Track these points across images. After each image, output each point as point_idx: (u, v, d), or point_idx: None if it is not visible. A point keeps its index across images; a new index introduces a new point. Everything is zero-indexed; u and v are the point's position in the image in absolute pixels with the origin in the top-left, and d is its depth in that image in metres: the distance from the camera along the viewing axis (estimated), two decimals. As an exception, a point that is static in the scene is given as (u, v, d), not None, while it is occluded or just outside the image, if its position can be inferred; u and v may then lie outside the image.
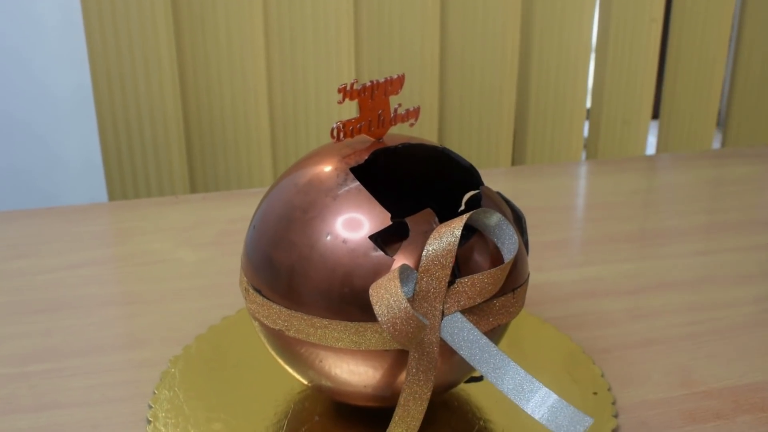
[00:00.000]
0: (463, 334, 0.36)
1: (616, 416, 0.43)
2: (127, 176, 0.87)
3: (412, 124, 0.41)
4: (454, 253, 0.35)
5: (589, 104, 1.12)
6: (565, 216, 0.77)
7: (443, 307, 0.36)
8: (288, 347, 0.39)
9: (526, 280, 0.41)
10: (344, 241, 0.36)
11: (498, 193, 0.42)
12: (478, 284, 0.36)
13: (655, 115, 1.20)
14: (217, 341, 0.50)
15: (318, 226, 0.37)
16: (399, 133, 0.42)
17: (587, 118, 1.12)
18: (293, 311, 0.37)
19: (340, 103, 0.38)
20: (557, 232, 0.71)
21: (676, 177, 0.90)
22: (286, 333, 0.38)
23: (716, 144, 1.24)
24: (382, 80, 0.39)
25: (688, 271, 0.62)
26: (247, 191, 0.83)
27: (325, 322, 0.36)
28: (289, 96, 0.89)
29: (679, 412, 0.44)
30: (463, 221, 0.36)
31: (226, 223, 0.71)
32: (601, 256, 0.65)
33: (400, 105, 0.40)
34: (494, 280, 0.37)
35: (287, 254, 0.37)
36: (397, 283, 0.33)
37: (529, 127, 1.07)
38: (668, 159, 1.02)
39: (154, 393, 0.44)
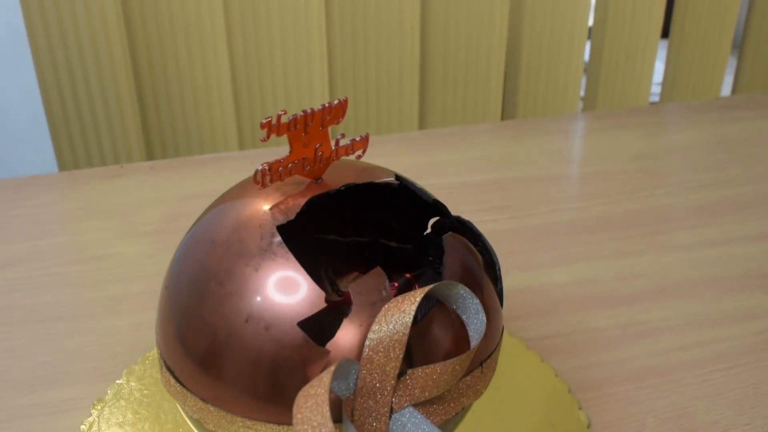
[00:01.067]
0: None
1: (603, 487, 0.37)
2: (77, 141, 0.78)
3: (359, 157, 0.33)
4: (404, 342, 0.28)
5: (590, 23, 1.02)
6: (555, 191, 0.69)
7: (392, 401, 0.29)
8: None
9: (498, 345, 0.34)
10: (267, 328, 0.29)
11: (469, 227, 0.35)
12: (434, 376, 0.29)
13: (665, 34, 1.10)
14: (152, 375, 0.44)
15: (236, 306, 0.29)
16: (347, 160, 0.34)
17: (588, 37, 1.02)
18: (210, 405, 0.30)
19: (263, 140, 0.30)
20: (546, 215, 0.63)
21: (683, 135, 0.82)
22: (204, 425, 0.31)
23: (730, 69, 1.13)
24: (318, 108, 0.31)
25: (692, 270, 0.55)
26: (201, 158, 0.75)
27: (249, 422, 0.30)
28: (252, 41, 0.79)
29: (676, 477, 0.38)
30: (416, 301, 0.28)
31: (174, 203, 0.64)
32: (595, 248, 0.58)
33: (343, 135, 0.32)
34: (454, 372, 0.30)
35: (201, 337, 0.30)
36: (325, 398, 0.26)
37: (523, 57, 0.97)
38: (674, 111, 0.93)
39: (67, 460, 0.38)
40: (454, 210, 0.64)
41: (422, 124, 0.93)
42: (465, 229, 0.36)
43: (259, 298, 0.29)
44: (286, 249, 0.29)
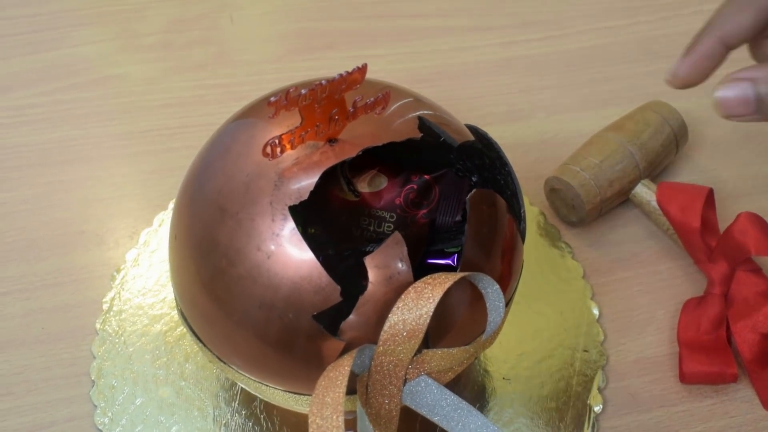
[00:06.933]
0: (428, 398, 0.31)
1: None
2: None
3: (379, 113, 0.29)
4: (423, 331, 0.28)
5: None
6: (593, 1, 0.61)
7: (406, 375, 0.30)
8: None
9: (511, 298, 0.33)
10: (281, 317, 0.28)
11: (498, 154, 0.33)
12: (447, 359, 0.30)
13: None
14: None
15: (248, 290, 0.28)
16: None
17: None
18: (226, 365, 0.31)
19: (272, 117, 0.27)
20: (581, 36, 0.58)
21: None
22: (223, 373, 0.32)
23: None
24: (336, 77, 0.27)
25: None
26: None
27: (263, 387, 0.31)
28: None
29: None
30: (442, 288, 0.27)
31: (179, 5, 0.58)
32: (630, 84, 0.54)
33: (361, 97, 0.28)
34: (468, 356, 0.30)
35: (215, 311, 0.29)
36: (341, 394, 0.26)
37: None
38: None
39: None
40: (483, 23, 0.59)
41: None
42: (492, 155, 0.34)
43: (272, 285, 0.28)
44: (300, 238, 0.28)
